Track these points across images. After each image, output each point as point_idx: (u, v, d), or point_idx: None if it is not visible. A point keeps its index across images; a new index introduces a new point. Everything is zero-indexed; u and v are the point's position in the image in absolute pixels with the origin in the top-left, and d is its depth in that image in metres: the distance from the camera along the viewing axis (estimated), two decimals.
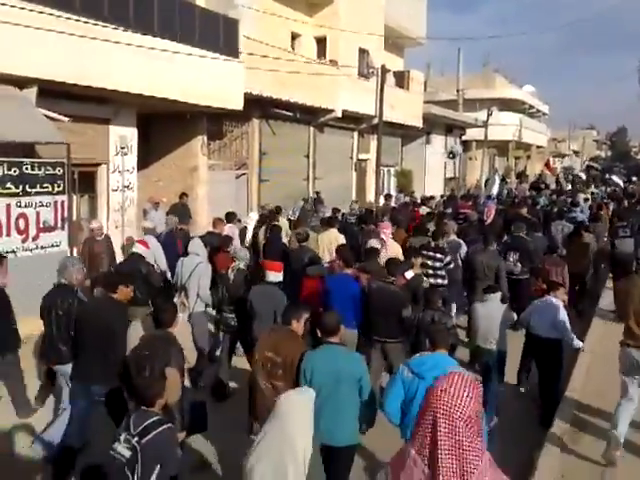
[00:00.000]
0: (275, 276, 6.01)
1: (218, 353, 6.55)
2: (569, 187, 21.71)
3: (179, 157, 12.86)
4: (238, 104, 11.88)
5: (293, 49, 15.80)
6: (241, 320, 5.87)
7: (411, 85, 20.79)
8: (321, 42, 16.77)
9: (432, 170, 24.44)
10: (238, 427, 4.49)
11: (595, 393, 5.73)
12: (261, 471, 2.65)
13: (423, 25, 22.42)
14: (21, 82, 8.01)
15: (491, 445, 3.14)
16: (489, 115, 27.21)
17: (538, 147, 42.74)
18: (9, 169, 7.20)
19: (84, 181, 10.03)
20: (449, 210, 13.56)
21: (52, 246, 7.76)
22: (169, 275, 7.67)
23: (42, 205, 7.60)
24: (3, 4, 7.41)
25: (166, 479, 2.78)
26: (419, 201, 16.04)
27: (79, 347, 4.55)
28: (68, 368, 4.73)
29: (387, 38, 19.16)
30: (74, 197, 8.64)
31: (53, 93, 8.48)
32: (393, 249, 7.83)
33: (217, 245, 7.78)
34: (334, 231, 8.69)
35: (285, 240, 9.18)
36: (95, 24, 8.70)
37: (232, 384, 6.14)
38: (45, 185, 7.63)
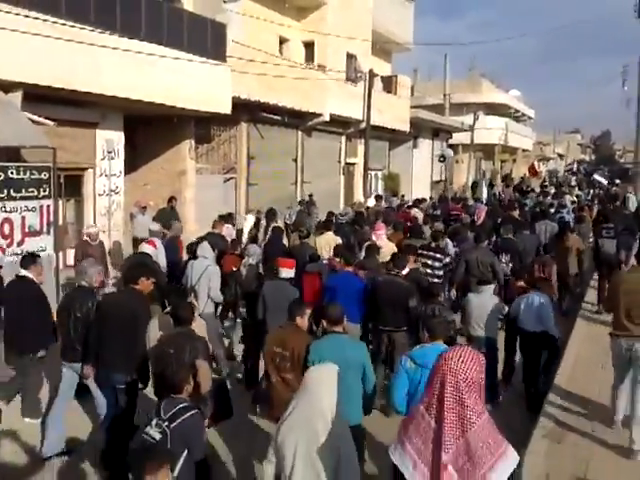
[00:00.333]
0: (287, 272, 6.26)
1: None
2: (553, 190, 22.11)
3: (167, 161, 12.84)
4: (226, 108, 11.89)
5: (281, 53, 15.85)
6: (252, 314, 6.13)
7: (398, 90, 20.93)
8: (309, 47, 16.85)
9: (419, 173, 24.63)
10: (239, 417, 4.62)
11: (579, 391, 5.84)
12: (294, 440, 2.71)
13: (410, 31, 22.60)
14: (6, 86, 7.97)
15: None
16: (475, 119, 27.49)
17: (524, 150, 43.24)
18: None
19: (70, 185, 9.98)
20: (438, 212, 13.81)
21: (38, 251, 7.66)
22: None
23: (27, 210, 7.53)
24: None
25: (192, 464, 2.96)
26: (410, 203, 16.20)
27: (103, 336, 4.56)
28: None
29: (375, 43, 19.31)
30: (60, 201, 8.58)
31: (39, 97, 8.44)
32: (389, 249, 8.06)
33: (223, 249, 8.09)
34: (330, 234, 9.00)
35: (284, 241, 9.61)
36: (82, 28, 8.68)
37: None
38: (30, 189, 7.55)
